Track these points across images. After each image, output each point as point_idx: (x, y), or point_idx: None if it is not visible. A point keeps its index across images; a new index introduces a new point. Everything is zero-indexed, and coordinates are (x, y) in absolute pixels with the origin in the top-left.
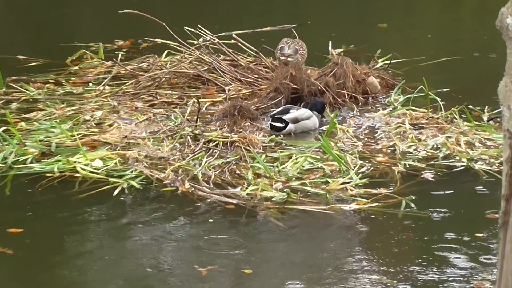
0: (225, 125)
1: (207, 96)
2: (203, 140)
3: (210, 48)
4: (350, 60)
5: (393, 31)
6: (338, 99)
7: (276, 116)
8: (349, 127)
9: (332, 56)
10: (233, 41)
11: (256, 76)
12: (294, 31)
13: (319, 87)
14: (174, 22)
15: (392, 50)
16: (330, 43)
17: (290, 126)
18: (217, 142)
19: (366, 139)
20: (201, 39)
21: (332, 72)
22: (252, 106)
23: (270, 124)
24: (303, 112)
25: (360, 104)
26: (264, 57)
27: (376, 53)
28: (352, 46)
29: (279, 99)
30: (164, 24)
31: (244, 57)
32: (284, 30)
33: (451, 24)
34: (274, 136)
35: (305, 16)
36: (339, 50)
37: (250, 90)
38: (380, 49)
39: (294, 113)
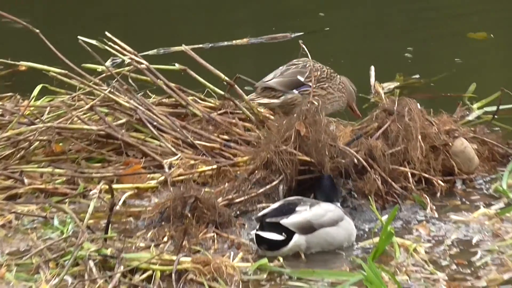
0: (165, 238)
1: (126, 179)
2: (121, 268)
3: (131, 81)
4: (418, 105)
5: (497, 45)
6: (393, 184)
7: (268, 221)
8: (419, 242)
9: (378, 96)
10: (177, 66)
11: (226, 137)
12: (302, 45)
13: (355, 160)
14: (58, 28)
15: (501, 83)
16: (373, 70)
17: (298, 239)
18: (149, 272)
19: (453, 266)
20: (110, 62)
21: (382, 130)
22: (220, 199)
23: (257, 235)
24: (324, 210)
25: (439, 194)
26: (241, 98)
27: (467, 91)
28: (417, 76)
29: (274, 183)
30: (38, 31)
31: (201, 99)
32: (276, 43)
33: None
34: (265, 259)
35: (317, 21)
36: (391, 85)
37: (215, 167)
38: (475, 83)
39: (305, 212)
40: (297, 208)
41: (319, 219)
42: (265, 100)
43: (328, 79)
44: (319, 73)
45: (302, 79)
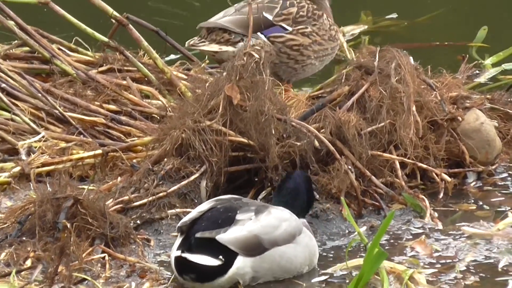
0: (29, 261)
1: None
2: None
3: None
4: (411, 59)
5: None
6: (374, 179)
7: (200, 236)
8: (417, 267)
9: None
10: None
11: (113, 107)
12: None
13: (316, 143)
14: None
15: None
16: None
17: (241, 263)
18: None
19: None
20: None
21: (356, 97)
22: (110, 202)
23: (181, 259)
24: (277, 219)
25: (442, 194)
26: (139, 44)
27: (475, 39)
28: (394, 15)
29: (192, 178)
30: None
31: (72, 49)
32: None
33: None
34: None
35: None
36: (355, 29)
37: (99, 152)
38: (487, 26)
39: (251, 223)
40: (238, 216)
41: (271, 234)
42: (214, 47)
43: (310, 19)
44: (295, 9)
45: (270, 17)
